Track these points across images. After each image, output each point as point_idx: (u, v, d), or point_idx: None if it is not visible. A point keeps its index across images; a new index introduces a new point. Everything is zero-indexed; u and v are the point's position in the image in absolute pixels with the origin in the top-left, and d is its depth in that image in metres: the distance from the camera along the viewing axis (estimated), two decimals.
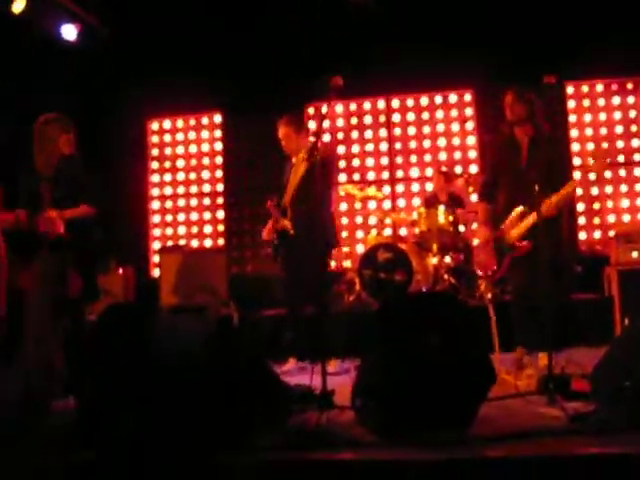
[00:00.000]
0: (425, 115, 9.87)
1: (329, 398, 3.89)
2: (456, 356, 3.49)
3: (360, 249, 9.26)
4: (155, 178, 10.30)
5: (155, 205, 10.27)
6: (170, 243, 9.93)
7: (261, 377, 3.59)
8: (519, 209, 5.49)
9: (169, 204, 10.25)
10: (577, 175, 5.50)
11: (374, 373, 3.59)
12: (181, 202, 10.23)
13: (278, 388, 3.73)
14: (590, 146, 9.47)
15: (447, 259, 8.07)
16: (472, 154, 9.70)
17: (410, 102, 9.90)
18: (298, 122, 6.44)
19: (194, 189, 10.23)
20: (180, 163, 10.27)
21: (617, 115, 9.50)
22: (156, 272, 9.51)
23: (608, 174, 9.36)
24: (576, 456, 3.10)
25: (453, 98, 9.82)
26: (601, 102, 9.54)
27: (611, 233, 8.69)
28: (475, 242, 8.53)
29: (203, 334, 3.31)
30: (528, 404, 4.05)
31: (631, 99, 9.46)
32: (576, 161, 9.37)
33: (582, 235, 9.38)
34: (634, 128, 9.44)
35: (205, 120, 10.29)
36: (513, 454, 3.13)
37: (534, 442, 3.28)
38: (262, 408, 3.53)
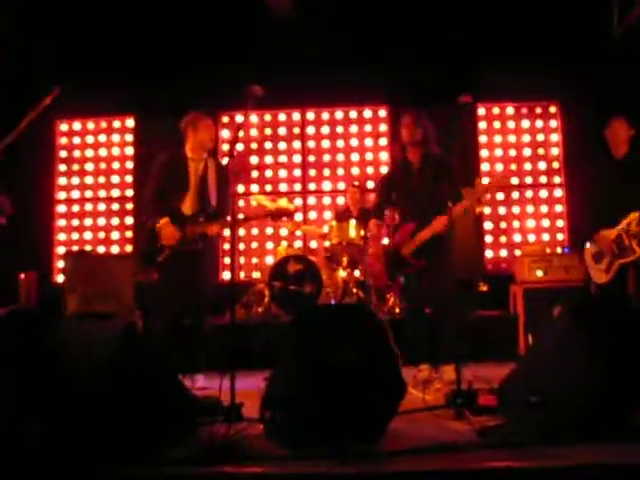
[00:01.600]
0: (339, 129, 9.91)
1: (237, 410, 3.83)
2: (366, 370, 3.48)
3: (270, 260, 9.23)
4: (62, 181, 10.01)
5: (61, 209, 9.98)
6: (76, 248, 9.67)
7: (167, 389, 3.51)
8: (411, 226, 5.84)
9: (76, 208, 9.98)
10: (469, 193, 5.71)
11: (283, 385, 3.55)
12: (88, 206, 9.98)
13: (184, 400, 3.65)
14: (499, 167, 9.69)
15: (356, 273, 8.11)
16: (384, 170, 9.77)
17: (325, 115, 9.93)
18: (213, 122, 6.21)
19: (102, 193, 10.00)
20: (89, 166, 10.02)
21: (526, 138, 9.77)
22: (60, 278, 9.26)
23: (515, 195, 9.61)
24: (484, 470, 3.12)
25: (368, 113, 9.90)
26: (511, 124, 9.78)
27: (517, 252, 8.90)
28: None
29: (110, 341, 3.21)
30: (436, 418, 4.08)
31: (539, 123, 9.75)
32: (485, 181, 9.57)
33: (489, 253, 9.57)
34: (541, 151, 9.73)
35: (117, 123, 10.08)
36: (421, 468, 3.14)
37: (442, 456, 3.30)
38: (168, 420, 3.44)
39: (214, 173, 5.97)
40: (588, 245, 6.22)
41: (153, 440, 3.32)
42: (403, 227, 5.93)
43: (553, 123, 9.78)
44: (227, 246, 9.06)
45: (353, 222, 7.99)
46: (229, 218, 5.40)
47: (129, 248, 9.77)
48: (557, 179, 9.70)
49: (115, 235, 9.88)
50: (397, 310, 7.59)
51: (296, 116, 9.93)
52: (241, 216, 5.86)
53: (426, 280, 5.78)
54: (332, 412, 3.37)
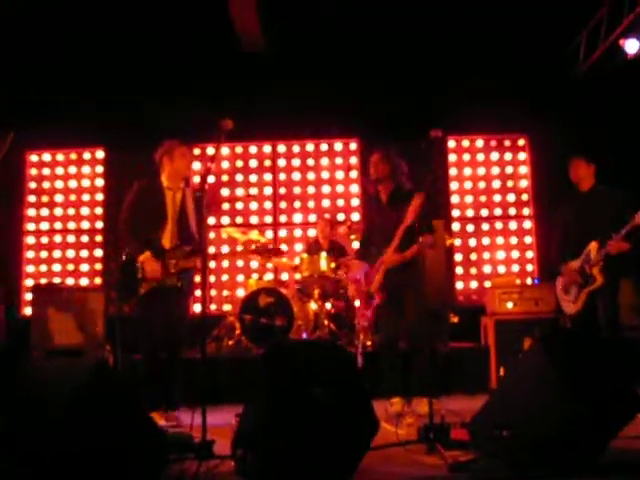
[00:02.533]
0: (310, 161, 9.95)
1: (209, 447, 3.79)
2: (338, 407, 3.46)
3: (241, 293, 9.19)
4: (31, 212, 9.93)
5: (30, 240, 9.88)
6: (44, 281, 9.57)
7: (137, 426, 3.47)
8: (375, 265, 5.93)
9: (45, 240, 9.89)
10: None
11: (254, 423, 3.52)
12: (58, 238, 9.89)
13: (155, 437, 3.60)
14: (469, 199, 9.77)
15: (328, 305, 8.11)
16: (355, 202, 9.83)
17: (296, 148, 9.96)
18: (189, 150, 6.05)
19: (72, 225, 9.92)
20: (58, 198, 9.95)
21: (495, 170, 9.87)
22: (28, 310, 9.15)
23: (485, 226, 9.69)
24: None
25: (339, 146, 9.94)
26: (480, 157, 9.88)
27: (487, 283, 8.95)
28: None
29: (79, 380, 3.17)
30: (408, 453, 4.07)
31: (508, 155, 9.87)
32: (455, 212, 9.68)
33: (459, 285, 9.61)
34: (510, 183, 9.84)
35: (87, 155, 10.03)
36: None
37: None
38: (139, 457, 3.40)
39: (192, 203, 5.82)
40: (558, 279, 6.40)
41: (123, 478, 3.27)
42: (372, 267, 6.02)
43: (522, 155, 9.91)
44: (198, 278, 9.01)
45: (324, 254, 8.02)
46: (210, 251, 5.37)
47: (98, 280, 9.70)
48: (526, 211, 9.81)
49: (84, 267, 9.79)
50: (369, 343, 7.57)
51: (267, 148, 9.95)
52: (226, 250, 5.88)
53: (394, 313, 5.85)
54: (303, 450, 3.34)
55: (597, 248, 5.94)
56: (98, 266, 9.79)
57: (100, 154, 9.99)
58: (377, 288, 5.89)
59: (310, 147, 9.96)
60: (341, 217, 9.62)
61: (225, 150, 9.87)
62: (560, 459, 3.38)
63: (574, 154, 6.37)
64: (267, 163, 9.94)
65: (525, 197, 9.83)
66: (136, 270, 5.53)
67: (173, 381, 5.67)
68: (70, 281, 9.67)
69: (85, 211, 9.93)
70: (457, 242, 9.62)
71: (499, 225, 9.78)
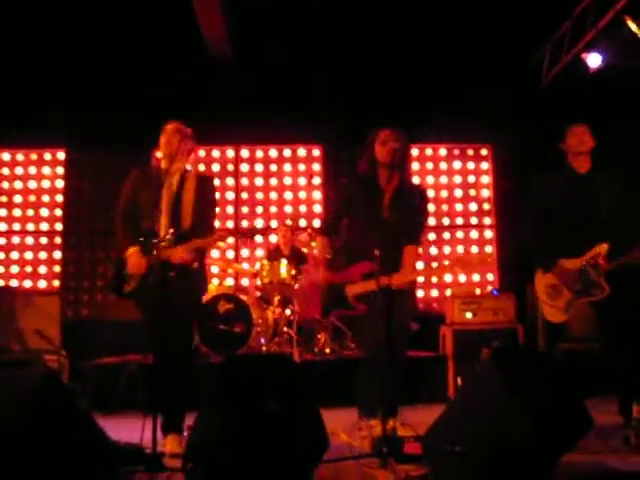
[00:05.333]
0: (273, 167, 9.93)
1: (159, 459, 3.75)
2: (290, 420, 3.44)
3: None
4: None
5: None
6: (1, 282, 9.44)
7: (86, 437, 3.42)
8: (366, 267, 4.79)
9: (2, 241, 9.75)
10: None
11: (205, 436, 3.49)
12: (16, 239, 9.76)
13: (105, 449, 3.55)
14: (431, 207, 9.78)
15: (287, 312, 8.09)
16: (317, 209, 9.83)
17: (259, 153, 9.94)
18: (189, 130, 5.17)
19: (31, 227, 9.80)
20: (18, 198, 9.81)
21: (457, 179, 9.92)
22: None
23: (447, 235, 9.75)
24: None
25: (302, 152, 9.94)
26: (443, 166, 9.93)
27: (448, 292, 8.99)
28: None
29: (22, 393, 3.12)
30: (362, 467, 4.04)
31: (471, 165, 9.94)
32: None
33: (420, 293, 9.64)
34: (472, 192, 9.90)
35: (48, 156, 9.91)
36: None
37: None
38: (89, 471, 3.35)
39: (193, 188, 5.10)
40: (539, 278, 5.27)
41: None
42: (357, 265, 4.93)
43: (484, 165, 9.99)
44: None
45: (284, 261, 7.99)
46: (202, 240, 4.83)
47: (57, 283, 9.58)
48: (487, 220, 9.88)
49: (43, 270, 9.67)
50: (327, 350, 7.57)
51: (230, 153, 9.91)
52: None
53: (372, 324, 4.78)
54: (253, 464, 3.32)
55: (606, 252, 4.92)
56: (57, 268, 9.67)
57: (61, 155, 9.88)
58: (357, 297, 4.88)
59: (273, 153, 9.95)
60: (303, 223, 9.60)
61: None
62: (508, 477, 3.39)
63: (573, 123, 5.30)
64: (230, 167, 9.90)
65: (487, 206, 9.90)
66: (124, 266, 4.99)
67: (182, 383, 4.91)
68: (28, 284, 9.56)
69: (45, 212, 9.81)
70: (419, 250, 9.64)
71: (460, 234, 9.84)
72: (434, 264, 9.70)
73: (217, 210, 5.33)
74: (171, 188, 5.05)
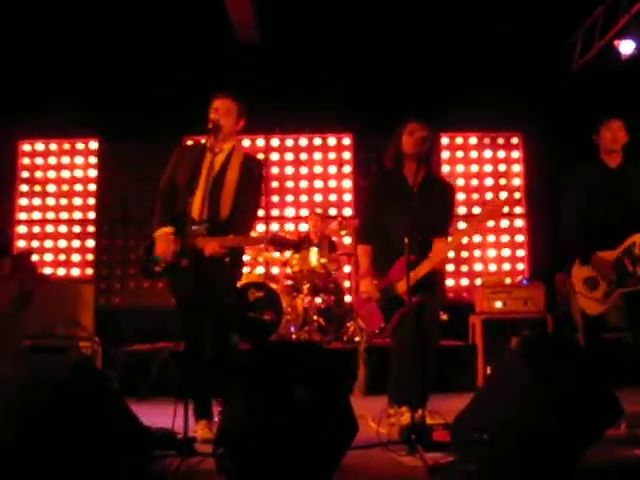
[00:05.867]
0: (303, 156, 9.95)
1: (190, 444, 3.80)
2: (319, 407, 3.47)
3: None
4: (23, 201, 9.93)
5: (22, 229, 9.89)
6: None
7: (120, 422, 3.48)
8: (407, 257, 4.50)
9: (37, 229, 9.90)
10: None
11: (234, 422, 3.53)
12: (49, 228, 9.90)
13: (138, 433, 3.61)
14: (461, 196, 9.78)
15: (317, 300, 8.13)
16: (347, 197, 9.84)
17: (289, 142, 9.97)
18: (243, 106, 4.94)
19: (64, 215, 9.92)
20: (51, 188, 9.94)
21: (488, 168, 9.88)
22: None
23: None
24: None
25: (332, 141, 9.95)
26: (474, 154, 9.89)
27: (477, 282, 8.97)
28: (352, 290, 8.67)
29: (57, 379, 3.18)
30: (389, 453, 4.07)
31: (501, 153, 9.89)
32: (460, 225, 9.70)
33: (450, 282, 9.63)
34: (503, 181, 9.85)
35: (80, 145, 10.02)
36: None
37: None
38: (122, 455, 3.41)
39: (237, 170, 4.80)
40: (576, 270, 5.32)
41: (107, 475, 3.29)
42: (399, 261, 4.75)
43: (515, 154, 9.93)
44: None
45: (314, 249, 8.01)
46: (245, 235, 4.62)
47: (90, 271, 9.70)
48: (518, 209, 9.81)
49: (76, 258, 9.80)
50: (357, 339, 7.59)
51: (260, 142, 9.94)
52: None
53: (418, 317, 4.68)
54: (282, 450, 3.36)
55: None
56: (90, 257, 9.79)
57: (93, 145, 9.98)
58: (408, 291, 4.48)
59: (303, 141, 9.97)
60: (333, 212, 9.62)
61: None
62: (536, 465, 3.40)
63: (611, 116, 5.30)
64: (260, 156, 9.92)
65: (518, 195, 9.85)
66: (153, 248, 4.78)
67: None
68: (61, 271, 9.70)
69: (78, 201, 9.93)
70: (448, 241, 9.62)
71: (491, 223, 9.77)
72: (464, 253, 9.72)
73: (262, 200, 5.01)
74: (213, 168, 4.77)
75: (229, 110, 4.79)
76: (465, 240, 9.65)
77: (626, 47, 8.01)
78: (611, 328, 5.52)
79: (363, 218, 5.32)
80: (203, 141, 4.80)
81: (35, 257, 9.74)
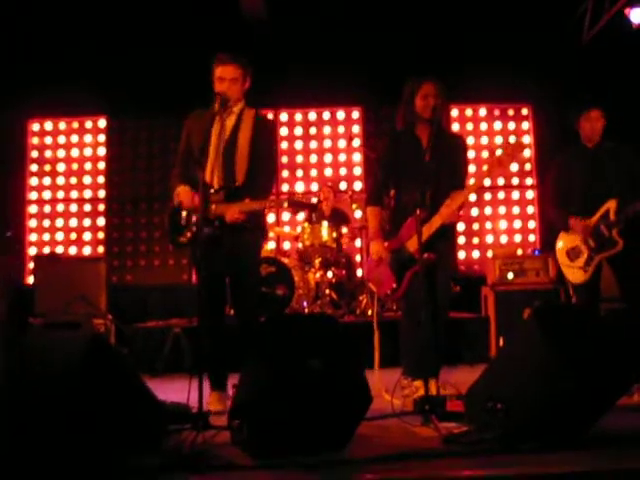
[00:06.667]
0: (312, 130, 9.92)
1: (205, 418, 3.82)
2: (334, 379, 3.49)
3: None
4: (34, 181, 9.95)
5: (32, 209, 9.91)
6: (47, 249, 9.61)
7: (135, 397, 3.50)
8: (417, 214, 4.39)
9: (47, 209, 9.92)
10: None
11: (249, 394, 3.55)
12: (60, 207, 9.92)
13: (153, 408, 3.64)
14: (471, 168, 9.73)
15: (329, 274, 8.13)
16: (357, 171, 9.83)
17: (298, 116, 9.94)
18: (248, 67, 4.88)
19: (74, 194, 9.93)
20: (61, 167, 9.95)
21: (498, 140, 9.84)
22: (31, 279, 9.19)
23: (488, 196, 9.69)
24: (446, 478, 3.15)
25: (341, 115, 9.92)
26: (483, 126, 9.85)
27: (489, 254, 8.96)
28: (358, 257, 8.67)
29: (75, 353, 3.20)
30: (404, 424, 4.08)
31: (512, 125, 9.86)
32: (471, 181, 9.63)
33: (461, 254, 9.62)
34: None
35: (89, 124, 10.01)
36: (386, 476, 3.15)
37: (407, 463, 3.31)
38: (137, 429, 3.44)
39: (249, 132, 4.71)
40: (560, 243, 5.61)
41: (122, 449, 3.31)
42: (409, 221, 4.75)
43: (525, 125, 9.90)
44: None
45: (325, 224, 8.02)
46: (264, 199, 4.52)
47: (101, 250, 9.73)
48: (529, 181, 9.82)
49: (87, 236, 9.82)
50: (369, 312, 7.59)
51: (269, 116, 9.91)
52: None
53: (433, 279, 4.69)
54: (297, 421, 3.37)
55: (616, 207, 5.21)
56: (101, 235, 9.82)
57: (102, 123, 9.98)
58: (419, 248, 4.31)
59: (312, 115, 9.94)
60: (343, 186, 9.59)
61: None
62: (550, 433, 3.41)
63: (588, 105, 5.58)
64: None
65: (528, 167, 9.82)
66: (179, 217, 4.72)
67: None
68: (73, 250, 9.73)
69: (87, 180, 9.95)
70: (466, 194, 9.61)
71: (502, 195, 9.79)
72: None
73: (277, 160, 4.95)
74: (225, 132, 4.72)
75: (235, 78, 4.74)
76: (475, 212, 9.65)
77: (637, 16, 7.93)
78: (604, 299, 5.67)
79: (374, 180, 5.25)
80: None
81: (46, 237, 9.79)
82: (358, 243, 9.08)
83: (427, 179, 4.51)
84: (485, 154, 9.82)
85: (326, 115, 9.93)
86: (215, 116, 4.68)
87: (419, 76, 4.90)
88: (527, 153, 9.81)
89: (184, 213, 4.72)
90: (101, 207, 9.87)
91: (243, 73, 4.79)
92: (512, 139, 9.48)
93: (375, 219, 5.07)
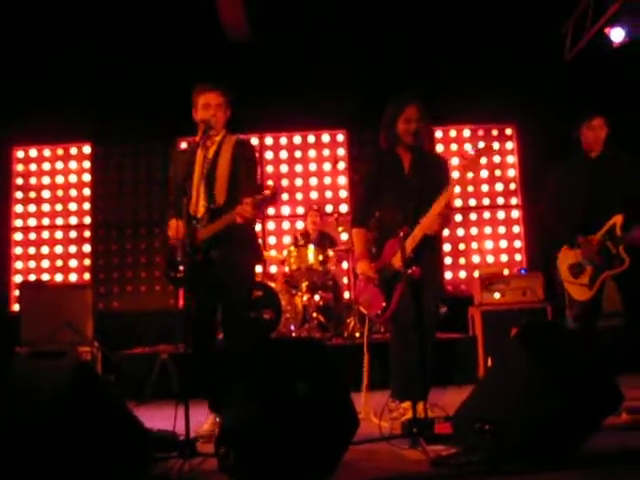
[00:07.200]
0: (298, 153, 9.94)
1: (192, 445, 3.79)
2: (320, 403, 3.48)
3: None
4: (19, 208, 9.90)
5: (18, 236, 9.85)
6: (33, 276, 9.56)
7: (121, 425, 3.48)
8: (399, 232, 4.45)
9: (33, 236, 9.86)
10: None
11: (236, 420, 3.54)
12: (45, 234, 9.86)
13: (139, 436, 3.61)
14: (456, 189, 9.73)
15: (316, 298, 8.11)
16: (343, 194, 9.83)
17: (283, 140, 9.95)
18: (229, 93, 4.98)
19: (60, 221, 9.89)
20: (46, 194, 9.91)
21: (483, 160, 9.81)
22: (17, 307, 9.13)
23: (473, 216, 9.71)
24: None
25: (326, 138, 9.94)
26: (468, 147, 9.86)
27: (475, 273, 8.96)
28: (345, 279, 8.66)
29: (59, 382, 3.18)
30: (392, 447, 4.07)
31: (496, 145, 9.85)
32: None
33: (448, 275, 9.62)
34: (498, 173, 9.84)
35: (74, 150, 9.98)
36: None
37: None
38: (123, 457, 3.41)
39: (229, 155, 4.79)
40: (562, 259, 5.42)
41: (108, 477, 3.28)
42: (393, 239, 4.72)
43: (509, 145, 9.93)
44: None
45: (312, 247, 8.01)
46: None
47: (87, 276, 9.68)
48: (514, 200, 9.83)
49: (73, 263, 9.77)
50: (357, 334, 7.57)
51: (254, 141, 9.93)
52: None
53: (420, 298, 4.56)
54: (284, 447, 3.36)
55: (622, 223, 5.05)
56: (87, 262, 9.77)
57: (87, 149, 9.94)
58: (404, 263, 4.37)
59: (297, 139, 9.95)
60: (329, 209, 9.59)
61: None
62: (538, 453, 3.40)
63: (590, 113, 5.43)
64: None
65: (513, 186, 9.85)
66: (174, 253, 4.79)
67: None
68: (59, 277, 9.68)
69: (73, 207, 9.90)
70: (445, 232, 9.60)
71: (487, 215, 9.81)
72: (461, 245, 9.70)
73: (258, 180, 5.00)
74: (207, 160, 4.80)
75: (219, 105, 4.83)
76: (461, 232, 9.67)
77: (617, 35, 8.00)
78: (605, 314, 5.57)
79: (357, 202, 5.32)
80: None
81: (32, 264, 9.75)
82: (345, 265, 9.09)
83: (410, 196, 4.57)
84: (470, 175, 9.80)
85: (311, 138, 9.95)
86: (197, 147, 4.77)
87: (402, 98, 4.92)
88: (512, 173, 9.85)
89: (178, 249, 4.75)
90: (87, 233, 9.82)
91: (225, 100, 4.88)
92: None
93: (361, 240, 5.08)
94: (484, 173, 9.85)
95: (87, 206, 9.87)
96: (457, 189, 5.24)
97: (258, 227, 9.59)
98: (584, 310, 5.28)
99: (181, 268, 4.72)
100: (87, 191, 9.89)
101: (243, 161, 4.80)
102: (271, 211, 9.82)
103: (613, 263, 5.06)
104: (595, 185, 5.25)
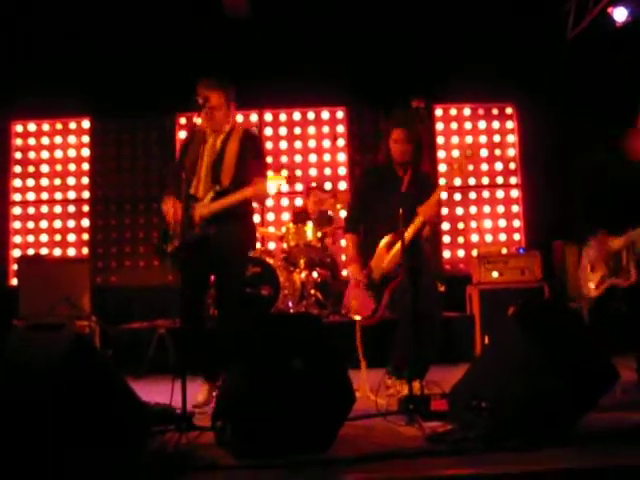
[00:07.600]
0: (297, 130, 9.91)
1: (189, 419, 3.81)
2: (317, 378, 3.49)
3: None
4: (17, 183, 9.88)
5: (16, 211, 9.84)
6: (31, 251, 9.55)
7: (118, 398, 3.48)
8: (386, 238, 4.98)
9: (31, 210, 9.85)
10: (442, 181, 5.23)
11: (233, 395, 3.55)
12: (44, 208, 9.85)
13: (136, 408, 3.61)
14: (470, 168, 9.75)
15: (314, 274, 8.11)
16: (342, 171, 9.81)
17: (283, 117, 9.92)
18: (232, 91, 5.10)
19: (58, 195, 9.87)
20: (44, 168, 9.89)
21: (482, 139, 9.85)
22: (15, 281, 9.14)
23: (473, 195, 9.70)
24: (430, 477, 3.14)
25: (325, 115, 9.90)
26: (468, 125, 9.86)
27: (474, 252, 8.97)
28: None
29: (56, 355, 3.18)
30: (388, 424, 4.09)
31: (496, 124, 9.86)
32: (442, 181, 9.64)
33: (447, 254, 9.63)
34: (498, 152, 9.84)
35: (73, 125, 9.95)
36: (369, 476, 3.15)
37: (391, 463, 3.31)
38: (121, 431, 3.41)
39: (237, 144, 5.02)
40: (588, 247, 5.32)
41: (105, 450, 3.29)
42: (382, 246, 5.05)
43: (509, 124, 9.91)
44: None
45: (310, 224, 8.00)
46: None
47: (86, 251, 9.69)
48: (514, 179, 9.82)
49: (71, 238, 9.77)
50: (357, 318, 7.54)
51: (254, 117, 9.90)
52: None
53: (419, 283, 4.88)
54: (281, 421, 3.37)
55: None
56: (85, 236, 9.76)
57: (86, 124, 9.91)
58: (392, 265, 4.93)
59: (297, 115, 9.92)
60: (328, 186, 9.58)
61: None
62: (534, 430, 3.42)
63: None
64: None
65: (513, 166, 9.84)
66: (168, 228, 4.96)
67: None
68: (57, 252, 9.68)
69: (72, 181, 9.88)
70: (444, 211, 9.62)
71: (486, 194, 9.80)
72: (460, 224, 9.70)
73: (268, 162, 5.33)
74: (215, 147, 5.04)
75: (219, 104, 4.97)
76: (460, 211, 9.67)
77: (619, 14, 7.97)
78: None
79: (351, 208, 5.59)
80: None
81: (30, 239, 9.75)
82: (343, 243, 9.07)
83: (403, 205, 4.66)
84: (469, 153, 9.80)
85: (311, 115, 9.91)
86: (206, 136, 5.04)
87: (392, 119, 5.23)
88: (511, 152, 9.83)
89: (172, 224, 4.90)
90: (85, 208, 9.81)
91: (227, 100, 5.02)
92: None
93: (352, 245, 5.36)
94: (484, 152, 9.83)
95: (86, 181, 9.85)
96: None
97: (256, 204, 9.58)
98: (592, 310, 5.35)
99: (175, 243, 4.82)
100: (86, 166, 9.87)
101: (251, 152, 5.03)
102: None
103: (620, 274, 5.02)
104: (632, 190, 5.01)
